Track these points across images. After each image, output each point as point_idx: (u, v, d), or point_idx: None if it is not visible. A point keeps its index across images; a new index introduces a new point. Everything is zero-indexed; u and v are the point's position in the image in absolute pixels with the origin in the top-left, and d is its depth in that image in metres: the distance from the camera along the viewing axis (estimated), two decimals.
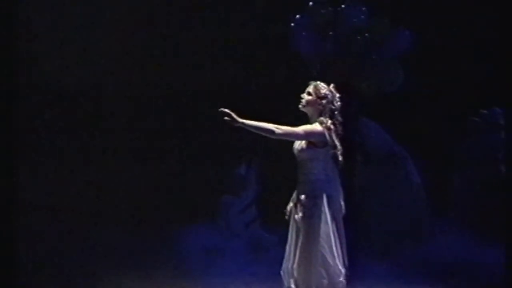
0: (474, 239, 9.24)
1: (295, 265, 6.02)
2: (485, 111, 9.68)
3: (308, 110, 6.06)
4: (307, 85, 6.20)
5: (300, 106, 6.10)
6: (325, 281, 5.90)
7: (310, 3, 9.29)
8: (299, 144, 6.05)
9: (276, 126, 5.89)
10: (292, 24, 9.26)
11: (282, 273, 6.12)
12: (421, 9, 9.61)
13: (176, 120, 10.15)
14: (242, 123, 5.74)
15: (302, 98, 6.16)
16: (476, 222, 9.40)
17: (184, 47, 10.29)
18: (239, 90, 9.82)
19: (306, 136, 5.88)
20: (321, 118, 5.95)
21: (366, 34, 9.22)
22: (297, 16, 9.27)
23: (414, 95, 9.68)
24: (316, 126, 5.94)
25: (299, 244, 6.01)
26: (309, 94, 6.10)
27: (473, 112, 9.77)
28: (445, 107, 9.87)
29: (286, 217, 6.21)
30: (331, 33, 9.26)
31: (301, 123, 6.09)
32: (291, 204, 6.22)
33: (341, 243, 6.01)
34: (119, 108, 10.29)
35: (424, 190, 9.46)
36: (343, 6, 9.25)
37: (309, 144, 5.99)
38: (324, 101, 6.01)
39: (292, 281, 6.04)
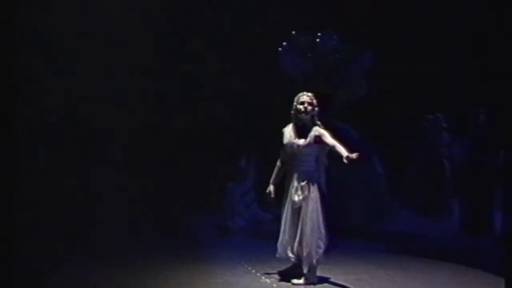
0: (422, 217, 10.01)
1: (297, 238, 6.51)
2: (430, 116, 10.28)
3: (308, 117, 6.59)
4: (293, 95, 6.70)
5: (306, 115, 6.52)
6: (321, 250, 6.54)
7: (293, 32, 9.84)
8: (303, 141, 6.54)
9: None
10: (280, 49, 9.84)
11: (278, 244, 6.69)
12: (381, 35, 10.39)
13: (187, 122, 10.64)
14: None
15: (305, 107, 6.53)
16: (424, 203, 10.11)
17: (191, 55, 10.60)
18: (241, 97, 10.51)
19: None
20: (318, 122, 6.60)
21: (337, 55, 9.81)
22: (284, 43, 9.82)
23: (376, 103, 10.35)
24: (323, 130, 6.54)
25: (300, 220, 6.50)
26: (310, 104, 6.59)
27: (421, 117, 10.36)
28: (400, 113, 10.62)
29: (271, 197, 6.77)
30: (310, 55, 9.82)
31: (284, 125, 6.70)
32: (271, 187, 6.77)
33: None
34: (129, 109, 10.42)
35: (385, 179, 10.01)
36: (319, 34, 9.81)
37: (315, 142, 6.51)
38: (317, 108, 6.68)
39: (289, 251, 6.63)
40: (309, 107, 6.62)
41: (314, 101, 6.67)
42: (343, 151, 6.30)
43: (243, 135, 10.32)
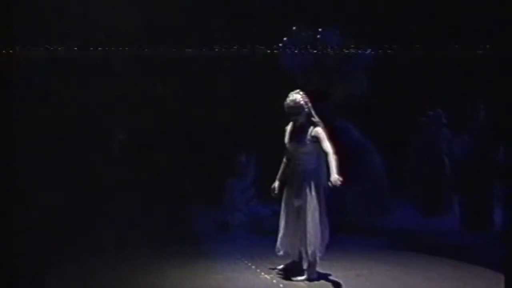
0: (422, 213, 9.94)
1: (299, 236, 6.52)
2: (431, 112, 10.18)
3: (302, 119, 6.52)
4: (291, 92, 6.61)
5: (297, 119, 6.44)
6: (322, 247, 6.59)
7: (294, 27, 9.77)
8: (300, 143, 6.53)
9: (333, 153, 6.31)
10: (280, 44, 9.75)
11: (278, 242, 6.71)
12: (382, 32, 10.27)
13: (188, 119, 10.62)
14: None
15: (294, 118, 6.44)
16: (424, 200, 10.01)
17: (190, 54, 10.39)
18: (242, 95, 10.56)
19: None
20: (317, 120, 6.53)
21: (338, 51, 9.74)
22: (284, 38, 9.72)
23: (376, 100, 10.29)
24: (321, 129, 6.51)
25: (302, 219, 6.49)
26: (296, 113, 6.48)
27: (421, 113, 10.26)
28: (401, 110, 10.52)
29: (275, 192, 6.73)
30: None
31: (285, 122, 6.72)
32: (277, 183, 6.74)
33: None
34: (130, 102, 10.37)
35: (385, 175, 9.95)
36: (319, 29, 9.73)
37: (313, 141, 6.47)
38: (309, 104, 6.59)
39: (290, 249, 6.67)
40: (297, 117, 6.50)
41: (303, 102, 6.53)
42: (333, 170, 6.25)
43: (243, 131, 10.33)
